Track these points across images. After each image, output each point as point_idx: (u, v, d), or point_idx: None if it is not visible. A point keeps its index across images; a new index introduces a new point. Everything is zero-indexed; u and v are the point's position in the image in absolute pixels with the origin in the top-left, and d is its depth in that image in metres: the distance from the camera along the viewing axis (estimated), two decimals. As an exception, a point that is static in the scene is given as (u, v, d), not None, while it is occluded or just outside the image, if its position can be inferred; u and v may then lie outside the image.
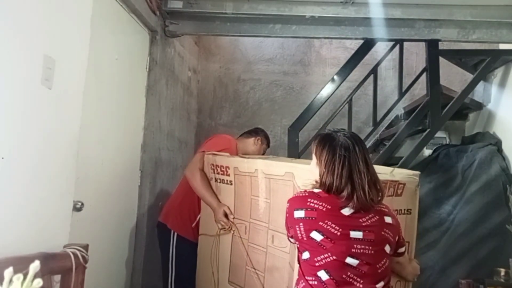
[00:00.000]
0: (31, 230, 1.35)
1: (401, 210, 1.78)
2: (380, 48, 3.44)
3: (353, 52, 3.10)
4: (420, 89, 3.47)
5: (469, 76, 3.22)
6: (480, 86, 3.32)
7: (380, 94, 3.55)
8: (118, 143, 2.31)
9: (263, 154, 2.61)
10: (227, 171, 2.12)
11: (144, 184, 2.61)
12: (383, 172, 1.76)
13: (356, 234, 1.29)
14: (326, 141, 1.41)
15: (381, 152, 3.14)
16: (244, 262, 1.97)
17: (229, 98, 3.90)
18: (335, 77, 3.01)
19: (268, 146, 2.68)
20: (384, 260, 1.33)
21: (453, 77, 3.60)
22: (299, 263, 1.38)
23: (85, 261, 1.44)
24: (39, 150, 1.37)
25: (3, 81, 1.21)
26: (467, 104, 3.33)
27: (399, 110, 3.62)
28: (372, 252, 1.29)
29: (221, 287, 2.10)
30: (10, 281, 0.76)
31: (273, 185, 1.84)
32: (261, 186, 1.91)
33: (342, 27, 2.81)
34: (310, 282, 1.30)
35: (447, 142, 3.60)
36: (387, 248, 1.34)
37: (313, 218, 1.31)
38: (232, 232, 2.07)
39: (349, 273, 1.27)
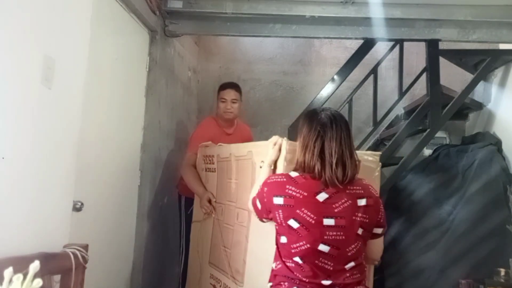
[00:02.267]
0: (31, 230, 1.35)
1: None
2: (380, 48, 3.43)
3: (353, 52, 3.10)
4: (420, 89, 3.46)
5: (469, 76, 3.22)
6: (480, 86, 3.31)
7: (380, 94, 3.55)
8: (118, 143, 2.31)
9: (228, 99, 2.70)
10: (212, 160, 2.30)
11: (144, 184, 2.61)
12: None
13: (328, 222, 1.36)
14: (308, 117, 1.50)
15: (381, 152, 3.14)
16: (220, 242, 2.09)
17: (229, 98, 3.89)
18: (335, 77, 3.01)
19: (224, 88, 2.75)
20: (356, 244, 1.39)
21: (453, 77, 3.59)
22: (276, 244, 1.46)
23: (85, 261, 1.44)
24: (39, 150, 1.37)
25: (3, 81, 1.21)
26: (467, 104, 3.33)
27: (399, 110, 3.62)
28: (343, 237, 1.37)
29: (204, 269, 2.23)
30: (10, 281, 0.76)
31: (240, 165, 1.95)
32: (233, 169, 2.03)
33: (342, 27, 2.81)
34: (287, 264, 1.40)
35: (447, 142, 3.60)
36: (361, 231, 1.39)
37: (291, 206, 1.38)
38: (213, 215, 2.20)
39: (321, 258, 1.36)
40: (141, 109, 2.63)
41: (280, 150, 1.66)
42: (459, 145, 3.38)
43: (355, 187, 1.42)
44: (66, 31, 1.50)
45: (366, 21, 2.74)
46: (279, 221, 1.41)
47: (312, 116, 1.49)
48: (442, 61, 2.97)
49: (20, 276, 0.77)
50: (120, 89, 2.32)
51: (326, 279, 1.36)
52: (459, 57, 3.31)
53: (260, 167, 1.72)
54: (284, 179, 1.42)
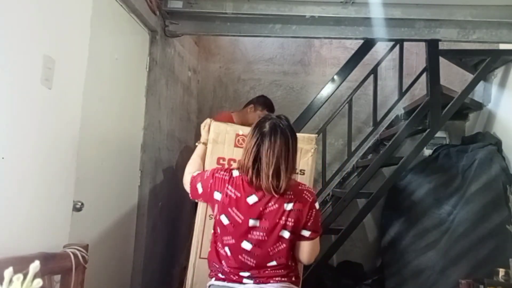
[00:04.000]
0: (31, 230, 1.35)
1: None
2: (380, 48, 3.43)
3: (353, 52, 3.10)
4: (420, 89, 3.47)
5: (469, 76, 3.22)
6: (480, 86, 3.32)
7: (380, 94, 3.55)
8: (118, 143, 2.31)
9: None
10: None
11: (144, 184, 2.61)
12: None
13: (253, 223, 1.51)
14: (257, 124, 1.58)
15: (381, 152, 3.14)
16: None
17: (229, 98, 3.90)
18: (335, 77, 3.01)
19: (270, 111, 2.92)
20: (277, 244, 1.52)
21: (453, 77, 3.59)
22: (214, 230, 1.63)
23: (85, 261, 1.44)
24: (39, 150, 1.37)
25: (3, 81, 1.21)
26: (467, 104, 3.33)
27: (399, 110, 3.62)
28: (266, 238, 1.51)
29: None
30: (10, 281, 0.76)
31: None
32: None
33: (342, 27, 2.80)
34: (220, 251, 1.57)
35: (447, 142, 3.60)
36: (284, 233, 1.52)
37: (225, 204, 1.53)
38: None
39: (244, 254, 1.52)
40: (141, 109, 2.63)
41: (209, 130, 1.88)
42: (459, 145, 3.38)
43: (286, 192, 1.51)
44: (66, 31, 1.50)
45: (366, 21, 2.74)
46: (215, 213, 1.58)
47: (259, 122, 1.58)
48: (442, 61, 2.97)
49: (20, 276, 0.77)
50: (120, 89, 2.32)
51: (246, 271, 1.53)
52: (459, 57, 3.31)
53: (196, 145, 1.92)
54: (227, 178, 1.57)
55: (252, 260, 1.52)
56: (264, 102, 2.99)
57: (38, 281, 0.79)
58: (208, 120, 1.91)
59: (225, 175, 1.57)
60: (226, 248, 1.55)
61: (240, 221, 1.51)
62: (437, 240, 2.90)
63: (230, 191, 1.53)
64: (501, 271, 2.39)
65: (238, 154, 1.91)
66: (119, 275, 2.41)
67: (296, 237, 1.56)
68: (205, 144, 1.87)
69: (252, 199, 1.51)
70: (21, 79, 1.29)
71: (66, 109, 1.51)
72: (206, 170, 1.73)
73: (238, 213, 1.51)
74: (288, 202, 1.51)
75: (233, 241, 1.52)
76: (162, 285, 2.96)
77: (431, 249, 2.90)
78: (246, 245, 1.51)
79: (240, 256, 1.52)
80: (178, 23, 2.84)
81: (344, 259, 3.62)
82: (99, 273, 2.03)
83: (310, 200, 1.55)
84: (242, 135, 1.91)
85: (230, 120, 2.81)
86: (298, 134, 1.96)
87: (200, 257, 1.83)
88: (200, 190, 1.64)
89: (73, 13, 1.55)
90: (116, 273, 2.36)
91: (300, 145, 1.85)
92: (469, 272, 2.62)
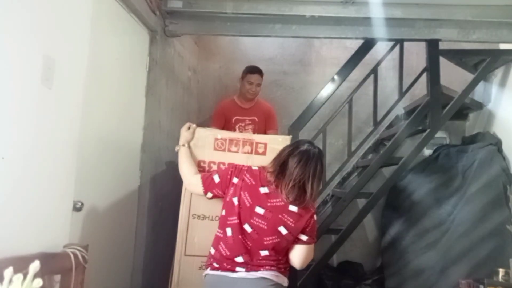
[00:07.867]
0: (31, 230, 1.35)
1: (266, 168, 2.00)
2: (380, 48, 3.42)
3: (353, 52, 3.10)
4: (420, 89, 3.46)
5: (469, 76, 3.22)
6: (480, 86, 3.31)
7: (380, 94, 3.55)
8: (118, 143, 2.31)
9: (255, 83, 3.11)
10: None
11: (144, 184, 2.61)
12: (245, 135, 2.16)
13: (259, 210, 1.69)
14: (296, 145, 1.77)
15: (381, 152, 3.14)
16: None
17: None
18: (335, 77, 3.01)
19: (252, 72, 3.13)
20: (274, 237, 1.68)
21: (453, 77, 3.59)
22: (220, 214, 1.79)
23: (85, 261, 1.44)
24: (39, 150, 1.37)
25: (3, 81, 1.21)
26: (467, 104, 3.33)
27: (399, 110, 3.62)
28: (265, 227, 1.68)
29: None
30: (10, 281, 0.76)
31: None
32: None
33: (342, 27, 2.80)
34: (218, 234, 1.75)
35: (447, 142, 3.60)
36: (282, 229, 1.68)
37: (240, 187, 1.73)
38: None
39: (244, 236, 1.69)
40: (141, 109, 2.63)
41: (193, 132, 2.04)
42: (459, 145, 3.38)
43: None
44: (66, 31, 1.50)
45: (366, 21, 2.74)
46: (227, 197, 1.76)
47: (297, 141, 1.81)
48: (442, 61, 2.97)
49: (20, 276, 0.77)
50: (120, 89, 2.32)
51: (241, 255, 1.66)
52: (459, 57, 3.31)
53: (177, 150, 2.04)
54: (246, 168, 1.80)
55: (249, 243, 1.67)
56: (246, 68, 3.19)
57: (38, 281, 0.79)
58: (191, 124, 2.08)
59: (244, 167, 1.82)
60: (228, 229, 1.70)
61: (248, 205, 1.69)
62: (437, 240, 2.90)
63: (247, 177, 1.75)
64: (501, 271, 2.40)
65: (217, 157, 2.04)
66: (119, 275, 2.41)
67: (294, 239, 1.71)
68: (184, 145, 2.02)
69: (264, 189, 1.71)
70: (21, 79, 1.29)
71: (66, 109, 1.51)
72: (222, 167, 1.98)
73: (248, 198, 1.70)
74: (293, 205, 1.68)
75: (237, 221, 1.68)
76: (162, 285, 2.95)
77: (431, 249, 2.90)
78: (247, 228, 1.68)
79: (240, 236, 1.68)
80: (178, 23, 2.84)
81: (344, 259, 3.62)
82: (99, 273, 2.03)
83: (312, 211, 1.74)
84: (221, 138, 2.04)
85: (233, 104, 3.16)
86: (271, 136, 2.21)
87: (185, 254, 1.93)
88: (217, 180, 1.82)
89: (73, 13, 1.55)
90: (116, 273, 2.36)
91: (274, 145, 2.03)
92: (469, 272, 2.63)
